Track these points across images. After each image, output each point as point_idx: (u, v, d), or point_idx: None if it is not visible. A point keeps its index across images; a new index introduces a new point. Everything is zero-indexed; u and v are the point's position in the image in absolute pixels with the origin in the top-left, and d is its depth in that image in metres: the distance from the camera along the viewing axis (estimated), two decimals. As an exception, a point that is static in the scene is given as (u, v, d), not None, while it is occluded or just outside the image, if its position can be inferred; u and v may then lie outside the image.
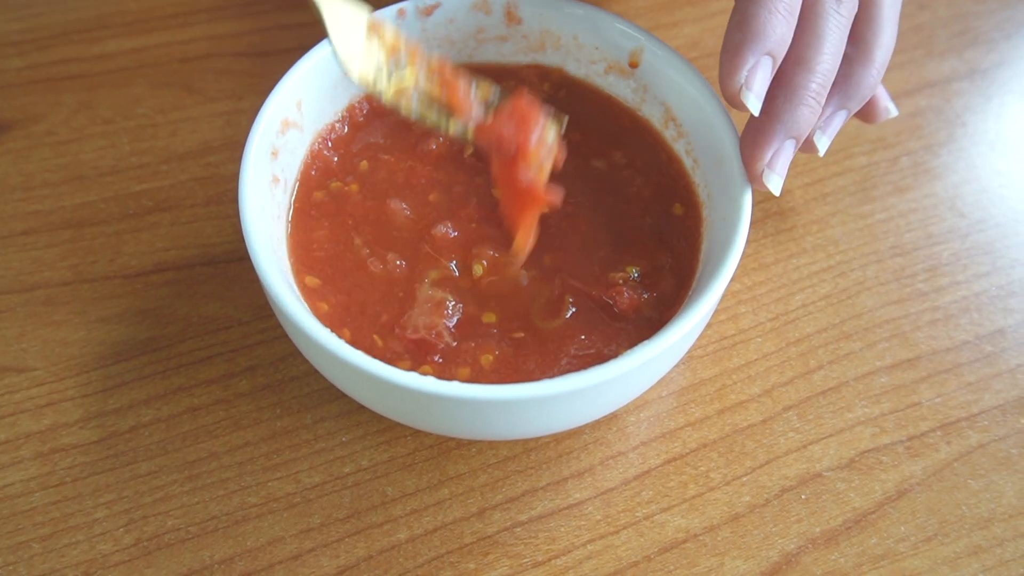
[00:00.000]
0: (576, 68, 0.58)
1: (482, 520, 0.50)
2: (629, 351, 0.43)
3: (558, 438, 0.52)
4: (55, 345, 0.54)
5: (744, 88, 0.47)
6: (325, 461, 0.51)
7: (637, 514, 0.50)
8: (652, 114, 0.55)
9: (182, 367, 0.54)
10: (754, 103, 0.47)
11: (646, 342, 0.44)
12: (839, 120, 0.51)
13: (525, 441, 0.52)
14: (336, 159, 0.55)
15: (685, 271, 0.51)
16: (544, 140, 0.47)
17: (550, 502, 0.50)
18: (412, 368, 0.47)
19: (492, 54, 0.58)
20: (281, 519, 0.49)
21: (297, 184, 0.53)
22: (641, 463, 0.52)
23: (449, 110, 0.49)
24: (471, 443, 0.52)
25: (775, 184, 0.48)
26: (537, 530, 0.50)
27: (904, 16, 0.71)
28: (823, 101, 0.49)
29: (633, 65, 0.55)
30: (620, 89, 0.57)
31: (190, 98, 0.64)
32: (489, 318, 0.49)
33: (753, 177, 0.49)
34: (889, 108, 0.57)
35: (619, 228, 0.53)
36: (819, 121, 0.51)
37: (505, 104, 0.48)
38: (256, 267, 0.45)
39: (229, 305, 0.56)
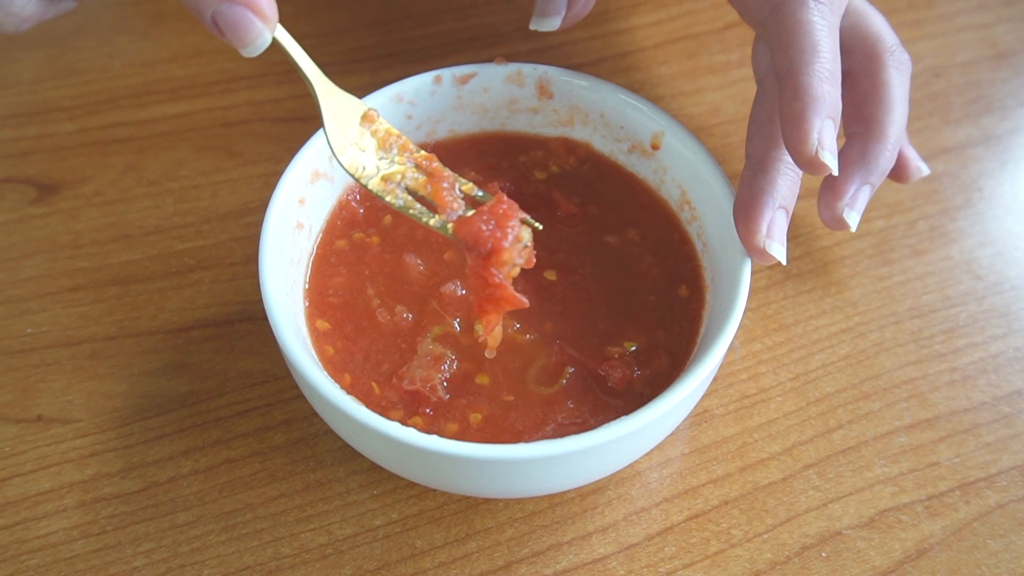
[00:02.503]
0: (602, 144, 0.60)
1: (508, 574, 0.51)
2: (606, 425, 0.45)
3: (583, 493, 0.54)
4: (99, 397, 0.56)
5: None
6: (357, 513, 0.53)
7: (660, 570, 0.51)
8: (670, 195, 0.58)
9: (220, 420, 0.56)
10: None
11: (624, 417, 0.45)
12: (864, 195, 0.54)
13: (551, 496, 0.53)
14: (362, 211, 0.57)
15: (681, 352, 0.52)
16: (518, 242, 0.48)
17: (575, 556, 0.52)
18: (404, 418, 0.49)
19: (523, 124, 0.61)
20: (314, 570, 0.51)
21: (322, 232, 0.56)
22: (664, 519, 0.53)
23: (432, 204, 0.50)
24: (498, 498, 0.53)
25: (779, 252, 0.50)
26: (562, 584, 0.51)
27: (920, 84, 0.73)
28: (801, 172, 0.51)
29: (655, 147, 0.57)
30: (642, 168, 0.59)
31: (231, 161, 0.67)
32: (482, 380, 0.51)
33: (755, 250, 0.50)
34: (921, 168, 0.60)
35: (623, 303, 0.54)
36: (846, 199, 0.53)
37: (485, 203, 0.49)
38: (264, 300, 0.48)
39: (266, 361, 0.58)
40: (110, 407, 0.56)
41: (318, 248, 0.55)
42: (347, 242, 0.56)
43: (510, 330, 0.52)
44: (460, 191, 0.50)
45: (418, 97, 0.58)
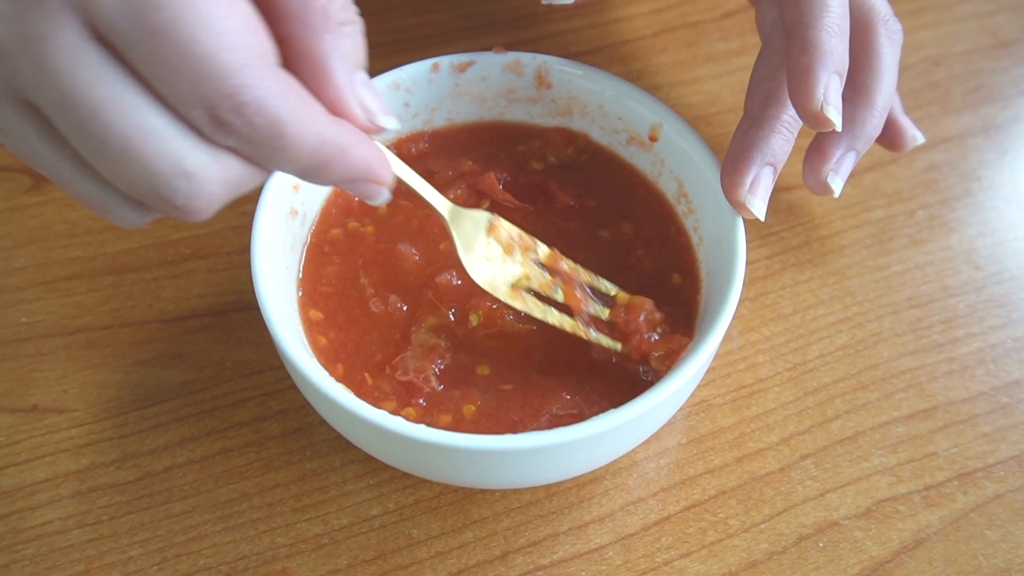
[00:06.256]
0: (600, 135, 0.60)
1: (505, 564, 0.51)
2: (600, 415, 0.44)
3: (579, 483, 0.54)
4: (94, 387, 0.56)
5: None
6: (353, 503, 0.52)
7: (657, 559, 0.51)
8: (667, 187, 0.57)
9: (216, 410, 0.55)
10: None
11: (619, 407, 0.45)
12: (850, 161, 0.54)
13: (548, 486, 0.53)
14: (357, 200, 0.57)
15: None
16: (652, 328, 0.50)
17: (571, 547, 0.52)
18: (397, 409, 0.49)
19: (522, 114, 0.60)
20: (309, 559, 0.51)
21: (316, 220, 0.55)
22: (661, 509, 0.53)
23: (565, 306, 0.50)
24: (493, 488, 0.53)
25: (758, 208, 0.50)
26: (558, 574, 0.51)
27: (919, 73, 0.73)
28: (796, 131, 0.51)
29: (653, 139, 0.57)
30: (640, 160, 0.59)
31: (227, 149, 0.67)
32: (483, 370, 0.51)
33: (736, 203, 0.51)
34: (916, 136, 0.60)
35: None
36: (831, 163, 0.54)
37: (617, 305, 0.50)
38: (256, 289, 0.47)
39: (262, 350, 0.58)
40: (105, 397, 0.56)
41: (312, 236, 0.55)
42: (341, 231, 0.55)
43: (507, 318, 0.52)
44: (583, 281, 0.52)
45: (416, 85, 0.58)
